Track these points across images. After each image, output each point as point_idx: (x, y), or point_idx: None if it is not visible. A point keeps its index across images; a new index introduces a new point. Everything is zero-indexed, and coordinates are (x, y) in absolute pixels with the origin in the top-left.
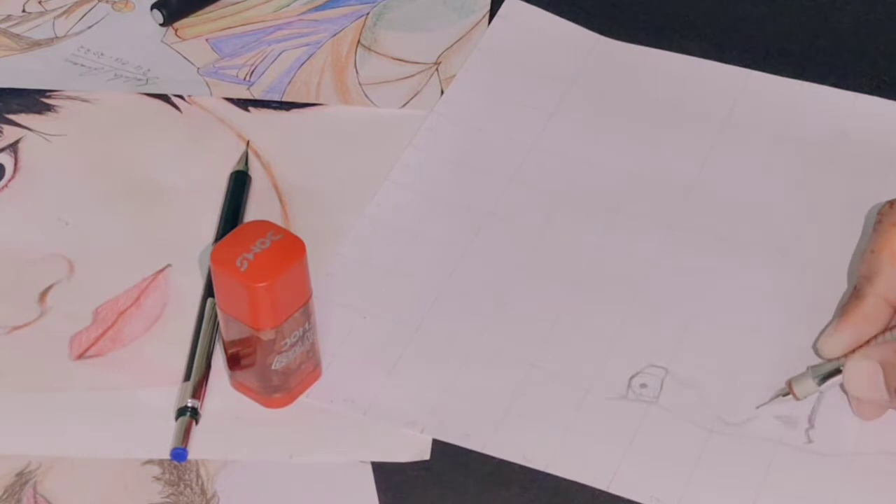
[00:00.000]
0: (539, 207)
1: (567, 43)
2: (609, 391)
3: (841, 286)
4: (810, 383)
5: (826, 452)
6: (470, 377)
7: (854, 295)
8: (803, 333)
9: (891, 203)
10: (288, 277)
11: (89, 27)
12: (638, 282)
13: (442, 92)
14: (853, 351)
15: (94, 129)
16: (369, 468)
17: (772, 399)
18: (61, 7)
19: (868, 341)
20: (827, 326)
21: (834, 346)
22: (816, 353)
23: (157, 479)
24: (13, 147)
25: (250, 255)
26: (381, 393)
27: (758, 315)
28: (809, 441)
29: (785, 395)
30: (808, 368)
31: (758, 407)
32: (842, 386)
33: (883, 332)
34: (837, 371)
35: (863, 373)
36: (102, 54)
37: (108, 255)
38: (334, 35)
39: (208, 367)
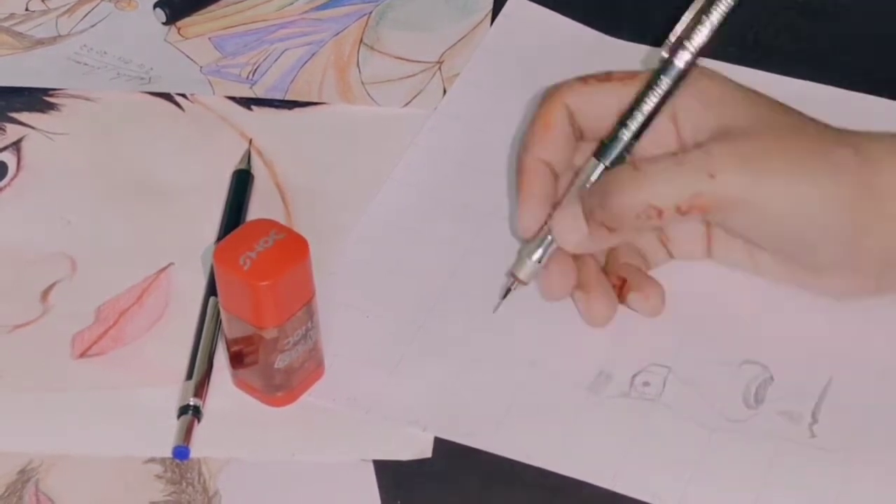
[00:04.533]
0: None
1: (570, 42)
2: (611, 389)
3: None
4: (529, 263)
5: (829, 447)
6: (472, 375)
7: (517, 170)
8: (805, 331)
9: (555, 84)
10: (291, 276)
11: (92, 26)
12: None
13: (444, 91)
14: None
15: (96, 128)
16: (371, 466)
17: (504, 297)
18: (64, 6)
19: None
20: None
21: (527, 223)
22: (518, 238)
23: (159, 477)
24: (16, 146)
25: (253, 254)
26: (384, 391)
27: (760, 313)
28: (813, 436)
29: (513, 287)
30: (518, 252)
31: (494, 311)
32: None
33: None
34: (544, 241)
35: (567, 218)
36: (105, 53)
37: (111, 253)
38: (337, 34)
39: (210, 365)
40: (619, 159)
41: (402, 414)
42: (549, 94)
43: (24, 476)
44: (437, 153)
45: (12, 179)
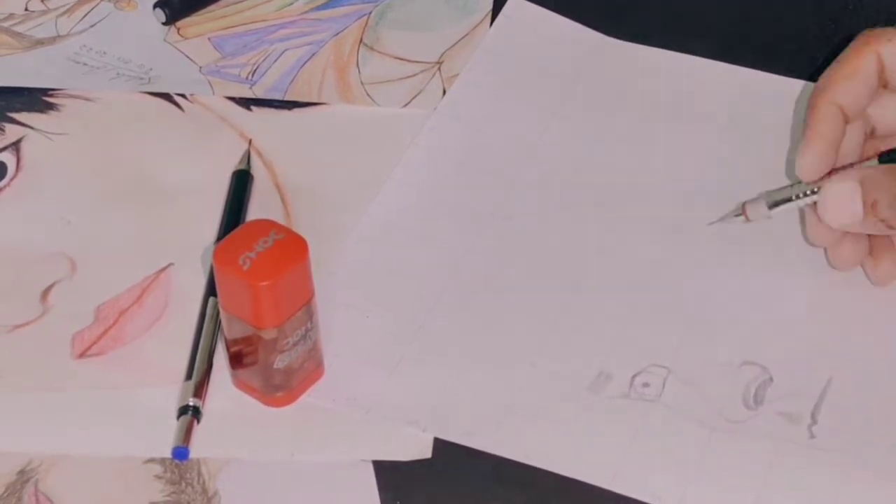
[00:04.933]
0: (541, 206)
1: (570, 42)
2: (611, 390)
3: (843, 282)
4: (762, 207)
5: (829, 448)
6: (472, 376)
7: (808, 109)
8: (805, 331)
9: (871, 28)
10: (290, 276)
11: (92, 26)
12: (640, 280)
13: (444, 91)
14: (829, 174)
15: (96, 128)
16: (370, 467)
17: (723, 217)
18: (64, 6)
19: (835, 170)
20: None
21: (809, 166)
22: (798, 178)
23: (159, 477)
24: (15, 146)
25: (252, 254)
26: (383, 392)
27: (760, 313)
28: (812, 437)
29: (737, 215)
30: (760, 193)
31: (709, 224)
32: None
33: (860, 161)
34: (788, 200)
35: (842, 195)
36: (105, 53)
37: (110, 253)
38: (336, 34)
39: (210, 365)
40: None
41: (401, 414)
42: (865, 40)
43: (24, 476)
44: (437, 153)
45: (12, 180)
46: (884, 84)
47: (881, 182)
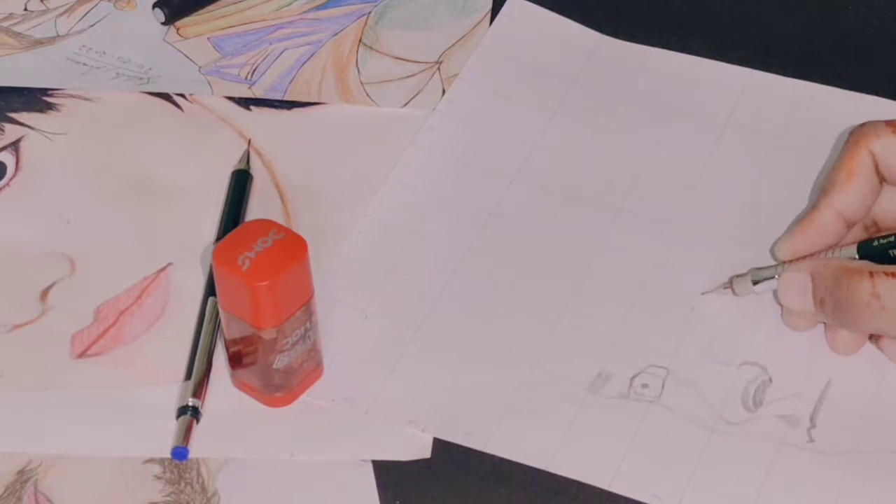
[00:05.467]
0: (541, 206)
1: (569, 42)
2: (610, 390)
3: None
4: (748, 283)
5: (828, 451)
6: (471, 376)
7: (811, 206)
8: (804, 332)
9: (862, 125)
10: (290, 276)
11: (91, 26)
12: (639, 281)
13: (444, 91)
14: (802, 258)
15: (95, 128)
16: (370, 466)
17: (714, 289)
18: (63, 5)
19: (814, 254)
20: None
21: (786, 249)
22: (772, 254)
23: (158, 477)
24: (15, 146)
25: (252, 254)
26: (383, 392)
27: (759, 314)
28: (811, 440)
29: (725, 287)
30: (749, 270)
31: (703, 293)
32: (775, 294)
33: (830, 248)
34: (770, 278)
35: (794, 284)
36: (104, 53)
37: (110, 253)
38: (336, 34)
39: (209, 365)
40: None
41: (401, 414)
42: (855, 139)
43: (23, 476)
44: (437, 153)
45: (11, 179)
46: (882, 179)
47: (828, 282)
